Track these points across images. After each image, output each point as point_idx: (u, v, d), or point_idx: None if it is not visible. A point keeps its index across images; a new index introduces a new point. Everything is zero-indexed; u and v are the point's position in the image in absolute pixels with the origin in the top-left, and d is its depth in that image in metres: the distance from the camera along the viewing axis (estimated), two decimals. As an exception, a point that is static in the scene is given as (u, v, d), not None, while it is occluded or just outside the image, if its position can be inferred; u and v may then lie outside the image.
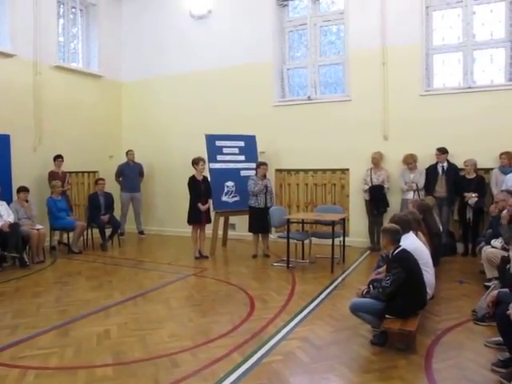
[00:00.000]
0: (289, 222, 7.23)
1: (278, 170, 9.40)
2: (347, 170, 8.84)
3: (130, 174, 9.89)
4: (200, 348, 4.08)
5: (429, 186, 7.89)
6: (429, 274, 4.52)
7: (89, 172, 10.19)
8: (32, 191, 8.06)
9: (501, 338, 3.66)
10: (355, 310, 4.13)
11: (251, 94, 9.38)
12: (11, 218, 7.30)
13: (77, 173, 9.86)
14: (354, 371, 3.64)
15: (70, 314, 5.03)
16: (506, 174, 7.21)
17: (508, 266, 4.37)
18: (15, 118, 8.41)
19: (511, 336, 3.45)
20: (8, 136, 8.08)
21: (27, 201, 7.79)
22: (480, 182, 7.60)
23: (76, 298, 5.62)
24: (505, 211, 5.51)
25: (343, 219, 7.42)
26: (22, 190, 7.75)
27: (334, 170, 9.01)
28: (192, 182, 7.80)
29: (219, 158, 8.54)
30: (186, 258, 7.90)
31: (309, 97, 9.21)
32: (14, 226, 7.11)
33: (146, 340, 4.27)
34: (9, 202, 7.63)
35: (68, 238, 8.61)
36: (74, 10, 10.12)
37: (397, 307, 4.00)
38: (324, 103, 9.02)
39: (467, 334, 4.32)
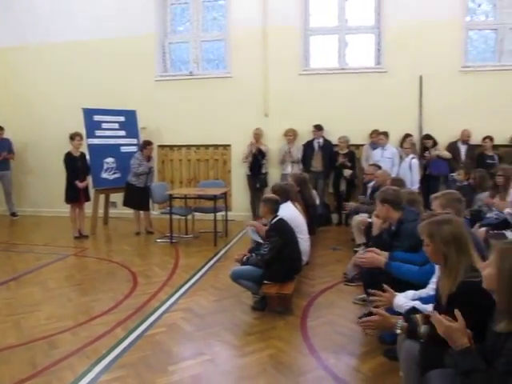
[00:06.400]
0: (171, 197, 7.23)
1: (161, 146, 9.22)
2: (229, 145, 8.98)
3: (-4, 151, 9.05)
4: (81, 327, 3.99)
5: (306, 161, 8.33)
6: (303, 241, 4.83)
7: None
8: None
9: (365, 295, 4.05)
10: (235, 277, 4.29)
11: (132, 68, 9.03)
12: None
13: None
14: (237, 335, 3.82)
15: None
16: (374, 149, 7.90)
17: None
18: None
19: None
20: None
21: None
22: (352, 156, 8.21)
23: None
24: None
25: (225, 193, 7.57)
26: None
27: (216, 146, 9.09)
28: (68, 158, 7.41)
29: (98, 133, 8.15)
30: (65, 238, 7.53)
31: (191, 72, 9.13)
32: None
33: (20, 325, 4.06)
34: None
35: None
36: None
37: (274, 273, 4.24)
38: (206, 79, 8.99)
39: (338, 294, 4.73)
